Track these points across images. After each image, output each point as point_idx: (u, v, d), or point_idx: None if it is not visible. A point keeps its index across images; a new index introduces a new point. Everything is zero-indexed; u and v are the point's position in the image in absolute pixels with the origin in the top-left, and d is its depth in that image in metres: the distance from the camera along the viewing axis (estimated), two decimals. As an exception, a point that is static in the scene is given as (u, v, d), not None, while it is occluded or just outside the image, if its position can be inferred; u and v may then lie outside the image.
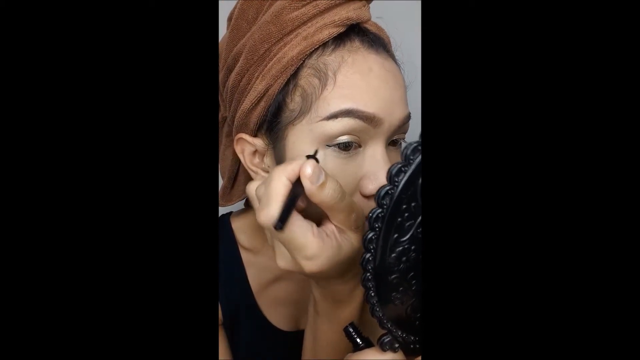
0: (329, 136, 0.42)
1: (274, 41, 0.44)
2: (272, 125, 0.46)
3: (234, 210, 0.64)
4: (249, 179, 0.50)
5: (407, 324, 0.37)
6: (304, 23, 0.44)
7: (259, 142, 0.48)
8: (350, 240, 0.38)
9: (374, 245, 0.33)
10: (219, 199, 0.58)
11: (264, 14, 0.46)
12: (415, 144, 0.32)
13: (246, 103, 0.46)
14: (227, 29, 0.50)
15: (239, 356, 0.59)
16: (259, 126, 0.47)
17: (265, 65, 0.45)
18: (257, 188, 0.38)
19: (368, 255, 0.34)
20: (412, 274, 0.35)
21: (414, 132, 0.44)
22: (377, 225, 0.33)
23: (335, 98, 0.43)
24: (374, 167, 0.43)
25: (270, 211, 0.35)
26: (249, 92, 0.46)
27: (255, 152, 0.49)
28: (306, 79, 0.44)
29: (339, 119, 0.42)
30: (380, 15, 0.51)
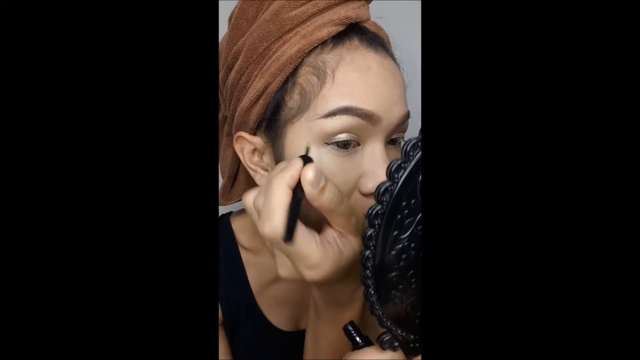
0: (328, 134, 0.42)
1: (273, 39, 0.44)
2: (271, 123, 0.46)
3: (233, 210, 0.64)
4: (249, 177, 0.50)
5: (407, 323, 0.37)
6: (303, 22, 0.44)
7: (258, 141, 0.48)
8: (351, 245, 0.38)
9: (374, 242, 0.33)
10: (219, 198, 0.58)
11: (263, 13, 0.46)
12: (415, 140, 0.32)
13: (245, 101, 0.46)
14: (228, 28, 0.50)
15: (239, 356, 0.59)
16: (258, 124, 0.47)
17: (265, 64, 0.45)
18: (255, 199, 0.37)
19: (367, 252, 0.33)
20: (412, 272, 0.35)
21: (413, 131, 0.44)
22: (376, 222, 0.33)
23: (334, 96, 0.43)
24: (373, 165, 0.43)
25: (274, 223, 0.34)
26: (248, 90, 0.46)
27: (254, 150, 0.49)
28: (305, 77, 0.44)
29: (338, 116, 0.42)
30: (380, 15, 0.51)
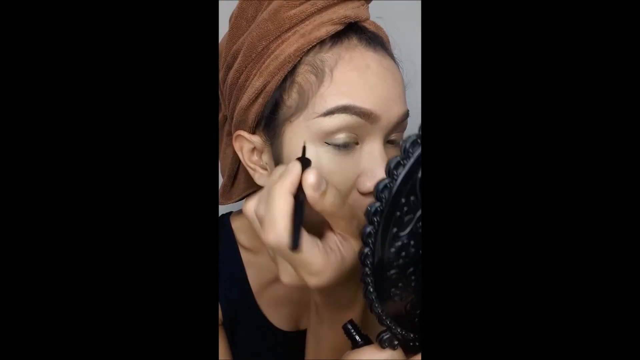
0: (326, 132, 0.42)
1: (272, 38, 0.45)
2: (270, 122, 0.46)
3: (233, 210, 0.64)
4: (249, 177, 0.50)
5: (407, 321, 0.37)
6: (302, 21, 0.44)
7: (256, 139, 0.48)
8: (353, 249, 0.37)
9: (373, 239, 0.33)
10: (219, 197, 0.58)
11: (262, 13, 0.46)
12: (414, 137, 0.32)
13: (244, 100, 0.46)
14: (228, 28, 0.50)
15: (239, 356, 0.59)
16: (257, 123, 0.47)
17: (263, 62, 0.45)
18: (256, 207, 0.37)
19: (367, 249, 0.33)
20: (412, 269, 0.35)
21: (412, 131, 0.44)
22: (375, 219, 0.33)
23: (332, 94, 0.43)
24: (372, 164, 0.43)
25: (278, 232, 0.34)
26: (247, 89, 0.46)
27: (253, 149, 0.49)
28: (303, 75, 0.44)
29: (336, 115, 0.42)
30: (380, 15, 0.51)
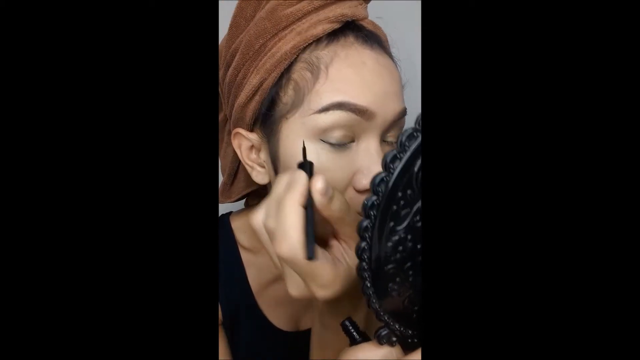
0: (322, 129, 0.43)
1: (269, 37, 0.45)
2: (266, 119, 0.46)
3: (233, 210, 0.64)
4: (249, 175, 0.51)
5: (405, 317, 0.37)
6: (299, 19, 0.44)
7: (254, 137, 0.48)
8: None
9: (370, 233, 0.33)
10: (219, 196, 0.58)
11: (261, 11, 0.46)
12: (410, 131, 0.31)
13: (241, 97, 0.47)
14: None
15: (239, 356, 0.59)
16: (255, 121, 0.47)
17: (260, 60, 0.45)
18: (265, 220, 0.36)
19: (363, 244, 0.33)
20: (409, 264, 0.35)
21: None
22: (372, 213, 0.32)
23: (327, 91, 0.43)
24: (368, 162, 0.43)
25: (291, 244, 0.33)
26: (244, 87, 0.46)
27: (251, 147, 0.49)
28: (299, 72, 0.44)
29: (331, 111, 0.42)
30: (380, 15, 0.51)
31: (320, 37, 0.44)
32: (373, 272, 0.34)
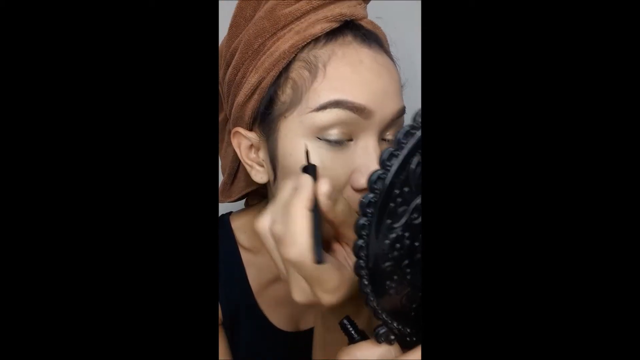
0: (319, 127, 0.43)
1: (268, 36, 0.45)
2: (265, 118, 0.46)
3: (233, 210, 0.64)
4: (249, 175, 0.51)
5: (403, 315, 0.37)
6: (298, 19, 0.45)
7: (253, 136, 0.48)
8: None
9: (367, 231, 0.33)
10: (219, 195, 0.58)
11: (260, 11, 0.47)
12: (407, 128, 0.31)
13: (240, 96, 0.47)
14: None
15: (239, 356, 0.59)
16: (254, 119, 0.48)
17: (259, 59, 0.45)
18: (271, 226, 0.36)
19: (360, 241, 0.33)
20: (407, 262, 0.34)
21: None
22: (369, 211, 0.32)
23: (325, 89, 0.43)
24: (366, 160, 0.43)
25: (300, 248, 0.33)
26: (243, 86, 0.47)
27: (251, 146, 0.49)
28: (297, 71, 0.44)
29: (328, 110, 0.42)
30: (380, 15, 0.51)
31: (319, 36, 0.44)
32: (370, 270, 0.34)
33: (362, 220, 0.33)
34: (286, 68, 0.45)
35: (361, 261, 0.34)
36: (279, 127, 0.45)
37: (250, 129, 0.49)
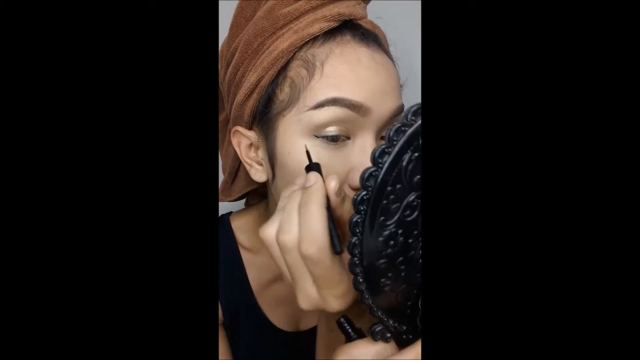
0: (317, 125, 0.43)
1: (267, 35, 0.45)
2: (263, 117, 0.46)
3: (233, 210, 0.64)
4: (249, 174, 0.51)
5: (398, 313, 0.37)
6: (296, 18, 0.45)
7: (252, 135, 0.48)
8: None
9: (360, 228, 0.33)
10: (219, 194, 0.58)
11: (260, 11, 0.47)
12: (399, 125, 0.31)
13: (240, 95, 0.47)
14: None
15: (239, 356, 0.59)
16: (253, 118, 0.48)
17: (258, 58, 0.46)
18: (278, 233, 0.35)
19: (354, 239, 0.33)
20: (401, 259, 0.34)
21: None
22: (362, 208, 0.32)
23: (322, 87, 0.43)
24: (363, 159, 0.43)
25: (319, 244, 0.33)
26: (242, 85, 0.47)
27: (250, 145, 0.49)
28: (295, 70, 0.44)
29: (326, 107, 0.42)
30: (380, 15, 0.51)
31: (317, 36, 0.45)
32: (365, 267, 0.34)
33: (355, 218, 0.33)
34: (285, 67, 0.45)
35: (355, 259, 0.34)
36: (278, 126, 0.45)
37: (250, 128, 0.49)
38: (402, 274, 0.35)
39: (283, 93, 0.45)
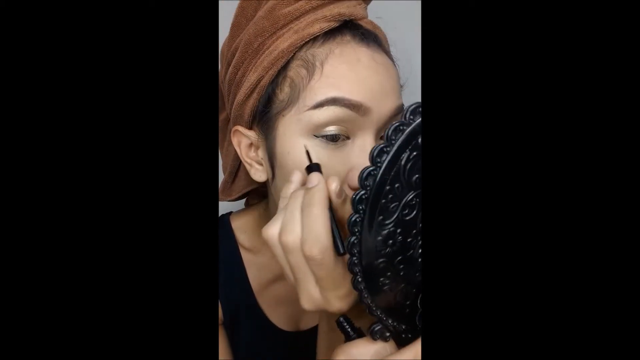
0: (316, 125, 0.43)
1: (267, 35, 0.45)
2: (263, 116, 0.46)
3: (233, 210, 0.64)
4: (249, 174, 0.51)
5: (397, 312, 0.37)
6: (297, 18, 0.45)
7: (252, 134, 0.48)
8: None
9: (359, 228, 0.33)
10: (220, 194, 0.58)
11: (260, 11, 0.47)
12: (397, 124, 0.32)
13: (240, 95, 0.47)
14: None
15: (239, 356, 0.59)
16: (253, 118, 0.48)
17: (259, 58, 0.46)
18: (281, 234, 0.36)
19: (353, 238, 0.33)
20: (400, 258, 0.35)
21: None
22: (360, 208, 0.32)
23: (322, 87, 0.43)
24: (363, 159, 0.43)
25: (322, 245, 0.34)
26: (243, 84, 0.47)
27: (250, 144, 0.49)
28: (295, 69, 0.45)
29: (325, 107, 0.42)
30: (380, 15, 0.51)
31: (317, 36, 0.45)
32: (364, 267, 0.34)
33: (354, 217, 0.33)
34: (285, 67, 0.45)
35: (354, 258, 0.34)
36: (277, 126, 0.45)
37: (250, 128, 0.49)
38: (401, 273, 0.35)
39: (283, 93, 0.45)
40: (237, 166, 0.56)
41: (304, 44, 0.45)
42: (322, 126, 0.43)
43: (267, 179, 0.49)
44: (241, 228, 0.60)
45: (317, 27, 0.44)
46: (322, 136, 0.43)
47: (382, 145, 0.32)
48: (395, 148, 0.32)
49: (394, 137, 0.32)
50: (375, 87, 0.44)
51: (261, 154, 0.49)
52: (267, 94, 0.46)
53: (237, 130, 0.49)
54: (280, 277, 0.59)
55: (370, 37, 0.47)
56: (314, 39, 0.45)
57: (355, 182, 0.43)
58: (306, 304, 0.37)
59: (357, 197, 0.32)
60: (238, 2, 0.50)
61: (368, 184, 0.32)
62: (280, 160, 0.45)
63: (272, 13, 0.45)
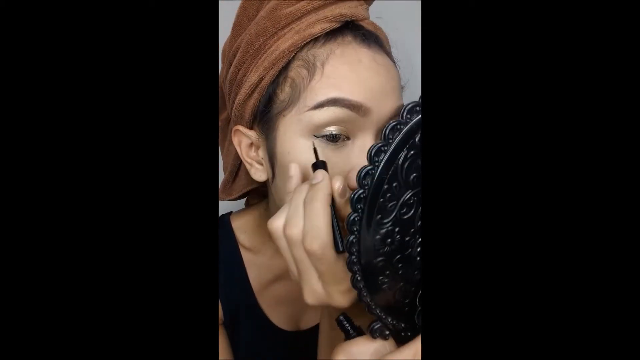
0: (317, 126, 0.43)
1: (269, 35, 0.45)
2: (264, 116, 0.47)
3: (234, 209, 0.64)
4: (249, 173, 0.51)
5: (396, 310, 0.37)
6: (298, 18, 0.45)
7: (253, 134, 0.49)
8: None
9: (357, 227, 0.33)
10: (220, 193, 0.58)
11: (262, 11, 0.47)
12: (394, 123, 0.32)
13: (241, 94, 0.47)
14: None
15: (239, 356, 0.59)
16: (254, 118, 0.48)
17: (260, 58, 0.46)
18: (286, 227, 0.36)
19: (352, 237, 0.33)
20: (398, 256, 0.35)
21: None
22: (359, 207, 0.33)
23: (323, 88, 0.43)
24: (363, 159, 0.43)
25: (323, 240, 0.34)
26: (244, 84, 0.47)
27: (251, 144, 0.50)
28: (296, 70, 0.45)
29: (326, 108, 0.43)
30: (380, 15, 0.51)
31: (318, 36, 0.45)
32: (362, 265, 0.34)
33: (353, 216, 0.33)
34: (285, 67, 0.45)
35: (353, 257, 0.34)
36: (278, 126, 0.45)
37: (251, 127, 0.49)
38: (400, 272, 0.35)
39: (284, 93, 0.45)
40: (238, 166, 0.56)
41: (305, 45, 0.45)
42: (323, 126, 0.43)
43: (267, 179, 0.49)
44: (241, 228, 0.60)
45: (319, 28, 0.44)
46: (322, 136, 0.43)
47: (379, 145, 0.32)
48: (392, 147, 0.32)
49: (391, 136, 0.32)
50: (376, 88, 0.44)
51: (261, 153, 0.49)
52: (268, 94, 0.46)
53: (237, 130, 0.49)
54: (280, 277, 0.59)
55: (372, 38, 0.47)
56: (315, 40, 0.45)
57: (354, 182, 0.43)
58: (309, 298, 0.38)
59: (356, 196, 0.32)
60: (239, 2, 0.50)
61: (366, 183, 0.32)
62: (280, 160, 0.46)
63: (273, 13, 0.45)
